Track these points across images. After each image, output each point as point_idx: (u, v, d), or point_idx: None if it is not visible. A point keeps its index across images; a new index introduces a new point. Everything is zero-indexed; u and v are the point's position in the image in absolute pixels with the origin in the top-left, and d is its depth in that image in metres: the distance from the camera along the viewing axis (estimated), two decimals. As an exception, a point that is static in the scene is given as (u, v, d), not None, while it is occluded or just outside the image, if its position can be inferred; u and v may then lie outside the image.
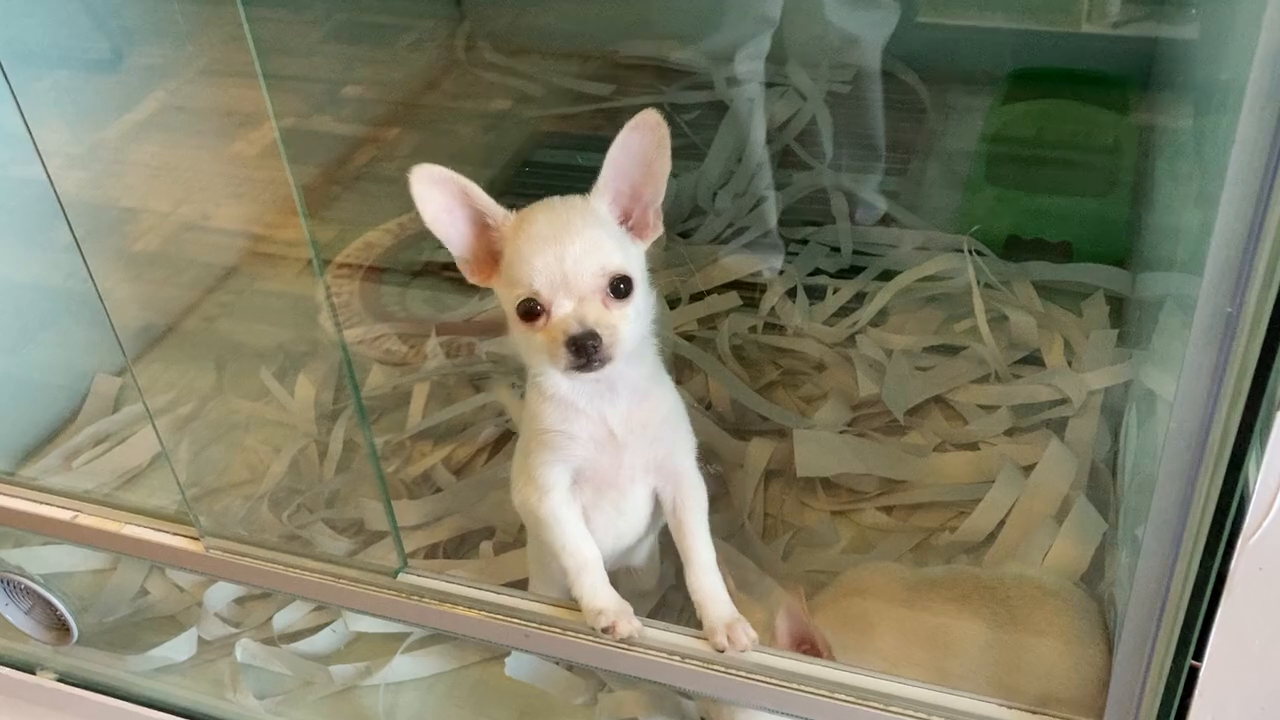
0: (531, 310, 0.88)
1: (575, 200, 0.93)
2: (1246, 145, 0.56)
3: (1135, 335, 1.46)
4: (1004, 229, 1.66)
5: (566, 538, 0.98)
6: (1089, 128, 1.81)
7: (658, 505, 1.04)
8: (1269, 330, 0.58)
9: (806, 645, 0.96)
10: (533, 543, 1.13)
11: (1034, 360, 1.49)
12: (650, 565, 1.14)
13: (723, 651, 0.92)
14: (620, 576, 1.08)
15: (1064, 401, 1.39)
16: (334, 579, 1.01)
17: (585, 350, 0.87)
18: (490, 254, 0.92)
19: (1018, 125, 1.85)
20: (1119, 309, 1.55)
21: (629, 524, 1.04)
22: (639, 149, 0.92)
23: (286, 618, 1.23)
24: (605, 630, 0.93)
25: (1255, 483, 0.62)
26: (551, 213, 0.91)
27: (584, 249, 0.87)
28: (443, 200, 0.91)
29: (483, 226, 0.92)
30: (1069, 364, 1.47)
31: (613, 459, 0.98)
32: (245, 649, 1.21)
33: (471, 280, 0.94)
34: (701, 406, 1.45)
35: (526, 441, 1.01)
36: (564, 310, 0.87)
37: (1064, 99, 1.85)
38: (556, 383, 0.95)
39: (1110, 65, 1.89)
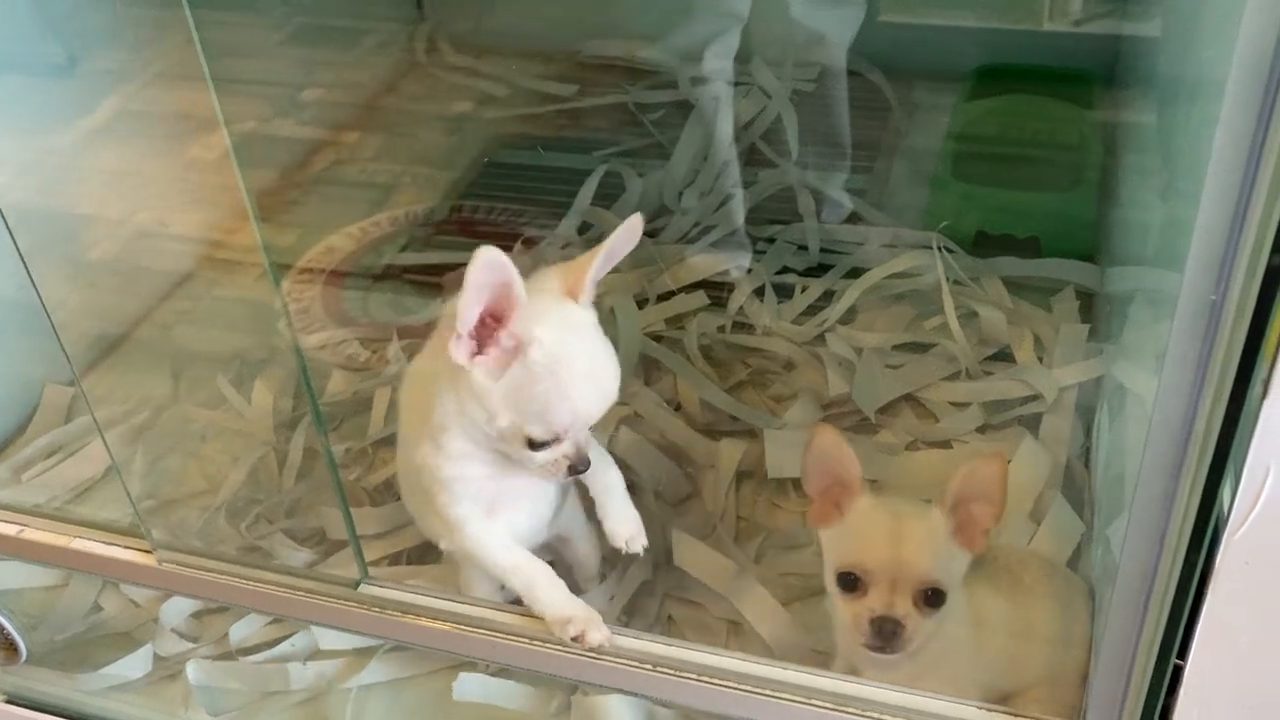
0: None
1: None
2: (1230, 129, 0.54)
3: (1106, 330, 1.45)
4: (972, 225, 1.65)
5: (504, 560, 0.97)
6: (1055, 123, 1.80)
7: None
8: (1254, 316, 0.56)
9: (837, 487, 0.95)
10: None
11: (1004, 357, 1.48)
12: (588, 544, 1.14)
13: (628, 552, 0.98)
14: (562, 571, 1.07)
15: (1036, 398, 1.38)
16: (292, 591, 0.97)
17: None
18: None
19: (983, 121, 1.84)
20: (1089, 304, 1.54)
21: (548, 505, 1.04)
22: None
23: (243, 630, 1.19)
24: (574, 639, 0.90)
25: (1241, 476, 0.61)
26: None
27: None
28: None
29: None
30: (1040, 360, 1.46)
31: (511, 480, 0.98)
32: (197, 668, 1.17)
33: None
34: (670, 407, 1.43)
35: (423, 491, 0.99)
36: None
37: (1029, 95, 1.85)
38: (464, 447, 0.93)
39: (1074, 61, 1.89)
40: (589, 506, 1.06)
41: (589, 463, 0.93)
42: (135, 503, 1.09)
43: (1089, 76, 1.87)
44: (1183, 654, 0.69)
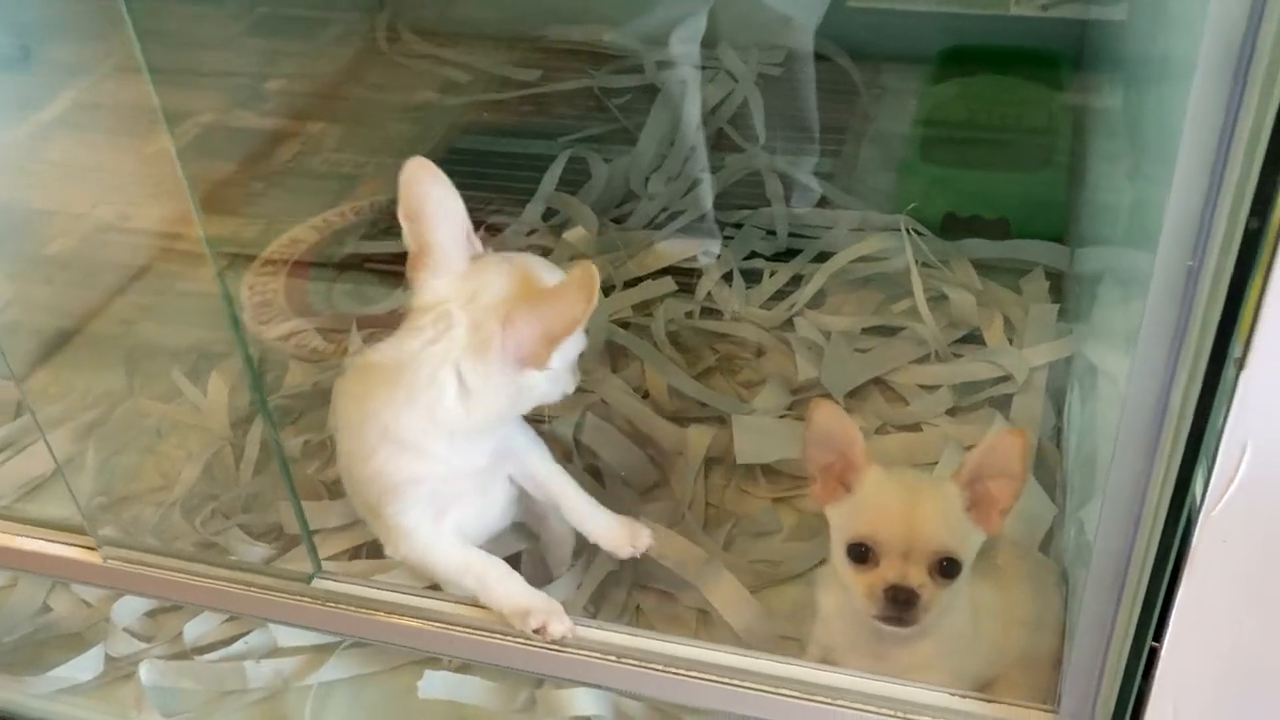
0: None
1: None
2: (1205, 92, 0.52)
3: (1075, 310, 1.44)
4: (940, 208, 1.64)
5: (455, 562, 0.95)
6: (1023, 104, 1.79)
7: None
8: (1231, 283, 0.54)
9: (841, 462, 0.92)
10: None
11: (974, 339, 1.46)
12: (562, 523, 1.11)
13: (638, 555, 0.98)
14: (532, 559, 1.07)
15: (1006, 379, 1.37)
16: (244, 587, 0.94)
17: None
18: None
19: (951, 103, 1.83)
20: (1058, 284, 1.53)
21: (499, 508, 1.03)
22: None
23: (198, 629, 1.16)
24: (536, 631, 0.88)
25: (1217, 451, 0.59)
26: None
27: None
28: None
29: None
30: (1010, 341, 1.44)
31: (461, 480, 0.96)
32: (151, 669, 1.13)
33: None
34: (638, 395, 1.40)
35: (368, 498, 0.97)
36: None
37: (996, 76, 1.84)
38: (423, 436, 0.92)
39: (1042, 43, 1.88)
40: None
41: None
42: (83, 499, 1.06)
43: (1056, 58, 1.86)
44: (1159, 636, 0.67)
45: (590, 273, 0.87)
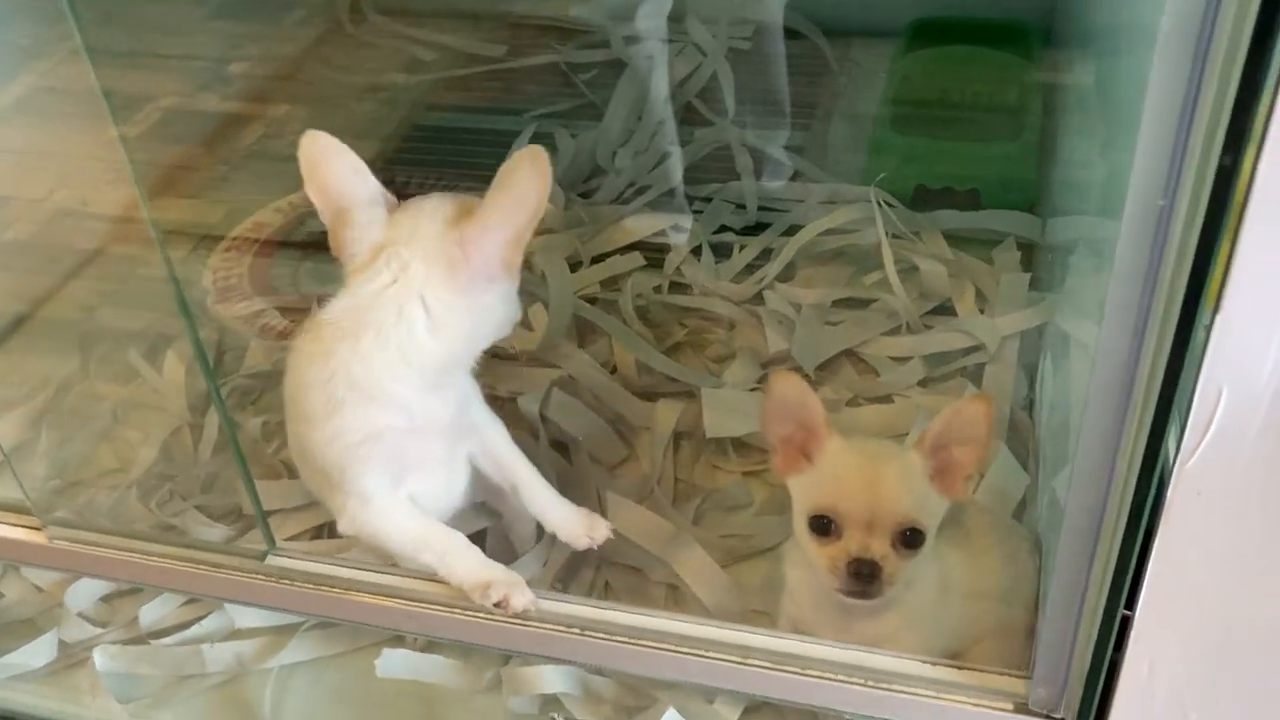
0: None
1: None
2: (1175, 27, 0.49)
3: (1047, 280, 1.43)
4: (911, 179, 1.62)
5: (412, 531, 0.92)
6: (993, 75, 1.77)
7: None
8: (1205, 223, 0.52)
9: (802, 433, 0.90)
10: None
11: (946, 310, 1.45)
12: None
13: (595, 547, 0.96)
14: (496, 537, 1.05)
15: (978, 349, 1.35)
16: (196, 565, 0.91)
17: None
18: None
19: (922, 75, 1.81)
20: (1030, 255, 1.51)
21: (459, 486, 1.01)
22: None
23: (154, 613, 1.13)
24: (497, 605, 0.85)
25: (1192, 400, 0.57)
26: None
27: None
28: None
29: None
30: (981, 312, 1.42)
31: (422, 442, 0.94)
32: (105, 654, 1.10)
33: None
34: (606, 370, 1.38)
35: (324, 464, 0.93)
36: None
37: (966, 47, 1.82)
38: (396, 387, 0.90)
39: (1012, 14, 1.87)
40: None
41: None
42: (34, 483, 1.02)
43: (1026, 29, 1.84)
44: (1133, 596, 0.65)
45: (536, 151, 0.87)
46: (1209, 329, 0.54)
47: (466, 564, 0.88)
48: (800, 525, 0.89)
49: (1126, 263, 0.54)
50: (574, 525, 0.99)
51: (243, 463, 0.98)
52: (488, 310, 0.92)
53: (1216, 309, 0.53)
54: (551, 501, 1.00)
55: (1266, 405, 0.55)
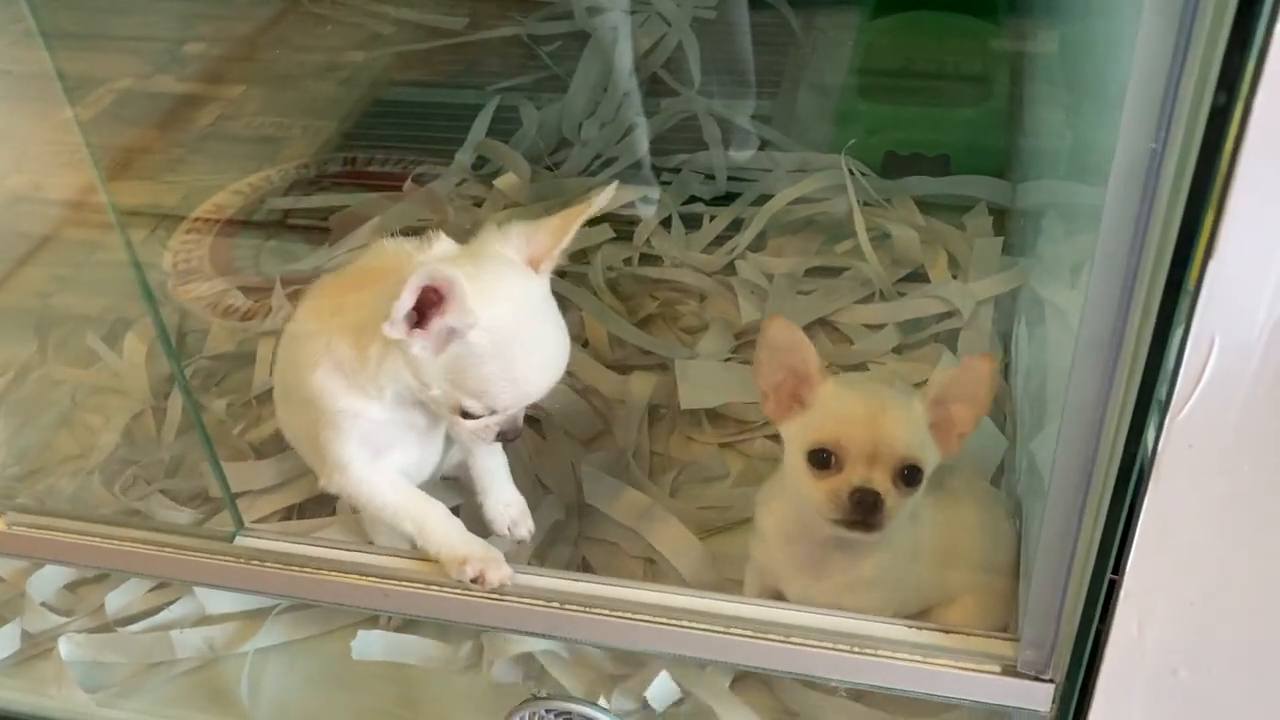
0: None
1: None
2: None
3: (1019, 245, 1.42)
4: (880, 146, 1.61)
5: (391, 500, 0.90)
6: (959, 39, 1.76)
7: None
8: (1197, 166, 0.50)
9: (793, 379, 0.89)
10: None
11: (919, 277, 1.44)
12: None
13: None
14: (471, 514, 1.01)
15: (952, 314, 1.34)
16: (160, 549, 0.88)
17: None
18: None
19: (888, 39, 1.79)
20: (1001, 220, 1.51)
21: (439, 441, 0.98)
22: None
23: (120, 600, 1.10)
24: (474, 581, 0.83)
25: (1184, 350, 0.55)
26: None
27: None
28: None
29: None
30: (954, 277, 1.42)
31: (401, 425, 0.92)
32: (70, 643, 1.07)
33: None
34: (579, 344, 1.36)
35: (309, 420, 0.91)
36: None
37: (933, 12, 1.80)
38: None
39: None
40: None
41: (520, 431, 0.88)
42: (-11, 468, 0.99)
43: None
44: (1122, 555, 0.64)
45: None
46: (1201, 275, 0.53)
47: (445, 536, 0.87)
48: (797, 462, 0.88)
49: (1116, 210, 0.53)
50: (500, 513, 0.98)
51: (209, 445, 0.96)
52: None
53: (1209, 255, 0.52)
54: (495, 483, 0.99)
55: (1260, 352, 0.54)
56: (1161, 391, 0.58)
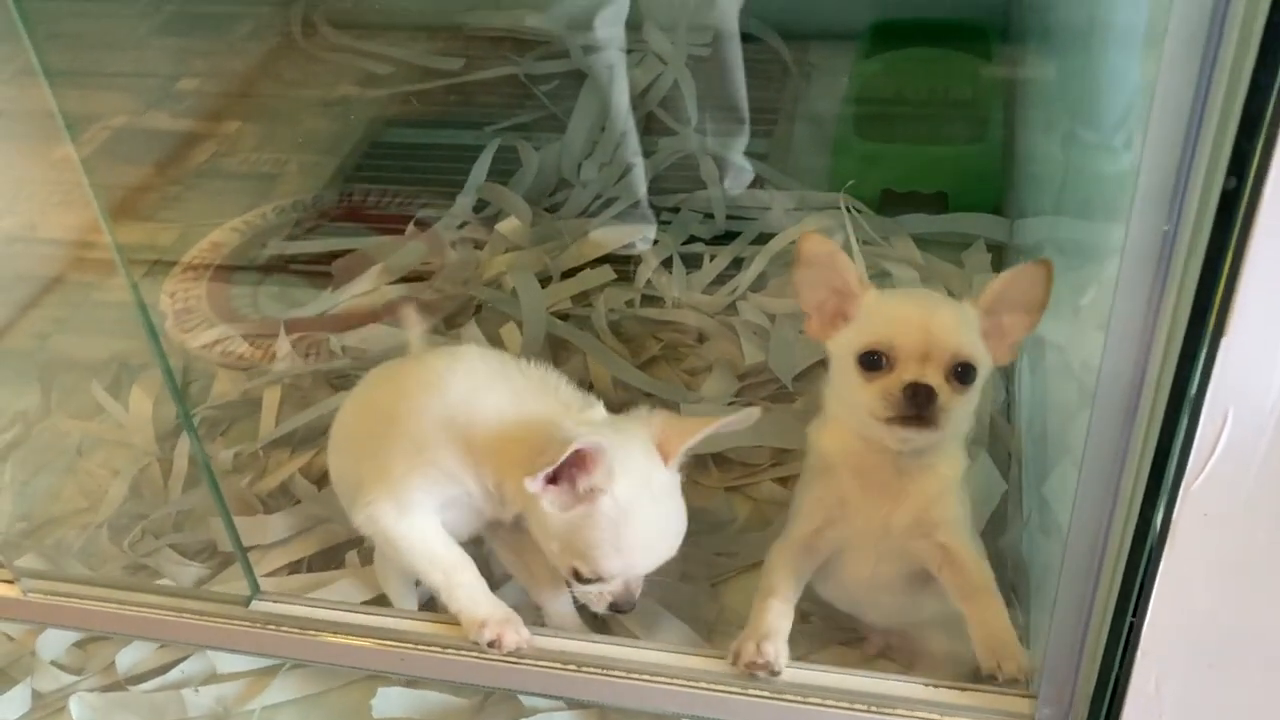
0: None
1: None
2: (1176, 54, 0.49)
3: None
4: (877, 184, 1.62)
5: (433, 553, 0.91)
6: (954, 76, 1.78)
7: None
8: (1209, 246, 0.51)
9: (835, 297, 0.89)
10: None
11: (900, 286, 1.44)
12: None
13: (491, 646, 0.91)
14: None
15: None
16: (177, 614, 0.88)
17: None
18: None
19: (883, 79, 1.81)
20: (1000, 256, 1.52)
21: (479, 525, 1.00)
22: None
23: (131, 658, 1.09)
24: (491, 644, 0.84)
25: (1198, 422, 0.56)
26: None
27: None
28: None
29: None
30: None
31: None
32: (82, 703, 1.06)
33: None
34: (583, 388, 1.36)
35: (389, 450, 0.92)
36: None
37: (926, 49, 1.82)
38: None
39: (968, 13, 1.88)
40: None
41: (634, 604, 0.90)
42: (4, 527, 0.99)
43: (984, 28, 1.85)
44: (1140, 613, 0.65)
45: None
46: (1214, 352, 0.54)
47: (470, 596, 0.88)
48: (847, 370, 0.87)
49: (1131, 286, 0.54)
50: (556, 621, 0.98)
51: (223, 506, 0.96)
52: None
53: (1221, 332, 0.53)
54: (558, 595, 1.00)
55: (1274, 425, 0.55)
56: (1176, 461, 0.59)
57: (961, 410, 0.85)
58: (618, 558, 0.86)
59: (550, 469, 0.82)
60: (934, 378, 0.83)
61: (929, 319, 0.85)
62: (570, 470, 0.84)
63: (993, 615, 0.84)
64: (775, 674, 0.84)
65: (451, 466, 0.91)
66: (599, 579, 0.87)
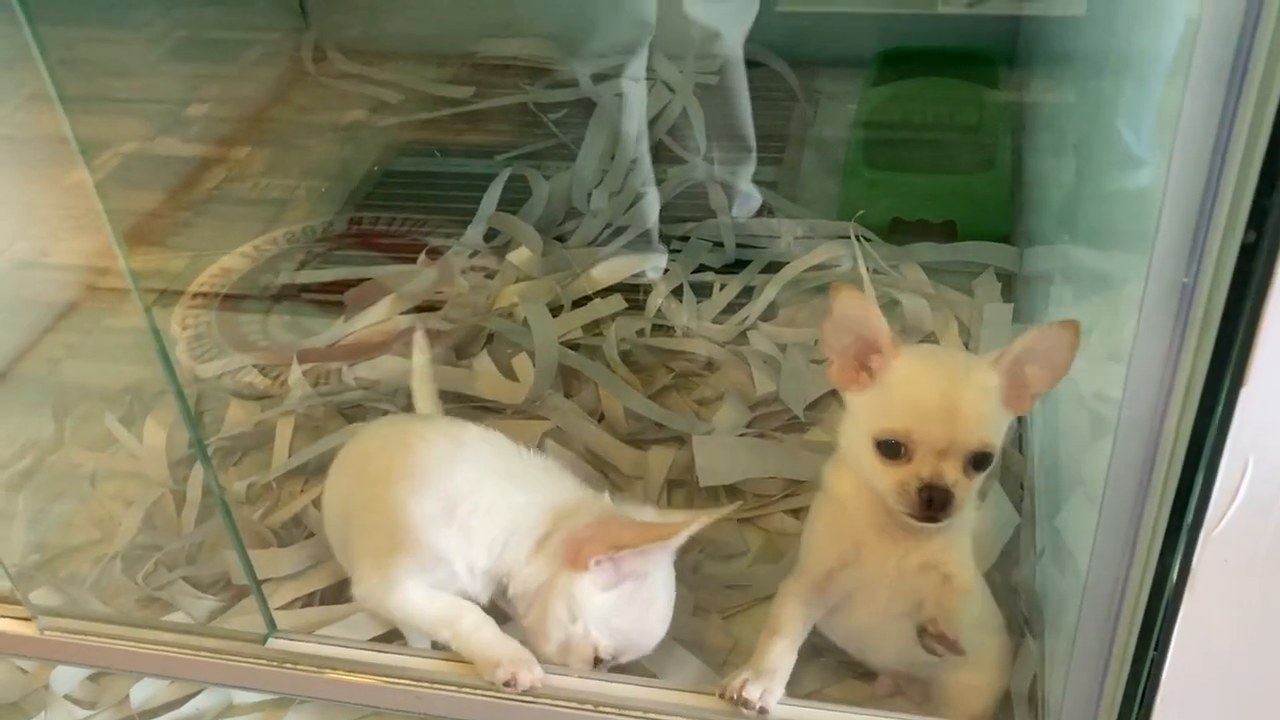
0: None
1: None
2: (1197, 103, 0.49)
3: (1029, 311, 1.43)
4: (886, 212, 1.63)
5: (431, 614, 0.92)
6: (962, 105, 1.79)
7: None
8: (1229, 297, 0.52)
9: (864, 348, 0.86)
10: None
11: (928, 344, 1.44)
12: None
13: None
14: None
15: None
16: (193, 651, 0.89)
17: None
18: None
19: (892, 107, 1.82)
20: (1009, 285, 1.52)
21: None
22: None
23: (145, 692, 1.10)
24: (506, 684, 0.84)
25: (1218, 470, 0.56)
26: None
27: None
28: None
29: None
30: (965, 345, 1.43)
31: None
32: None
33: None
34: (593, 418, 1.36)
35: (380, 525, 0.94)
36: None
37: (934, 77, 1.83)
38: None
39: (975, 41, 1.89)
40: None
41: None
42: (14, 560, 0.99)
43: (991, 56, 1.86)
44: (1160, 658, 0.65)
45: None
46: (1233, 401, 0.54)
47: (480, 640, 0.88)
48: (862, 445, 0.86)
49: (1150, 335, 0.54)
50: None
51: (239, 540, 0.96)
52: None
53: (1240, 383, 0.53)
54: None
55: (1293, 476, 0.55)
56: (1195, 508, 0.59)
57: (977, 489, 0.85)
58: (644, 637, 0.91)
59: (621, 552, 0.86)
60: (951, 473, 0.82)
61: (953, 410, 0.83)
62: (628, 556, 0.88)
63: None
64: (764, 714, 0.85)
65: (445, 550, 0.92)
66: (610, 659, 0.90)
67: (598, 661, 0.90)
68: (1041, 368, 0.85)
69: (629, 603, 0.89)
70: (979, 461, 0.83)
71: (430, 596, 0.92)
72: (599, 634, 0.89)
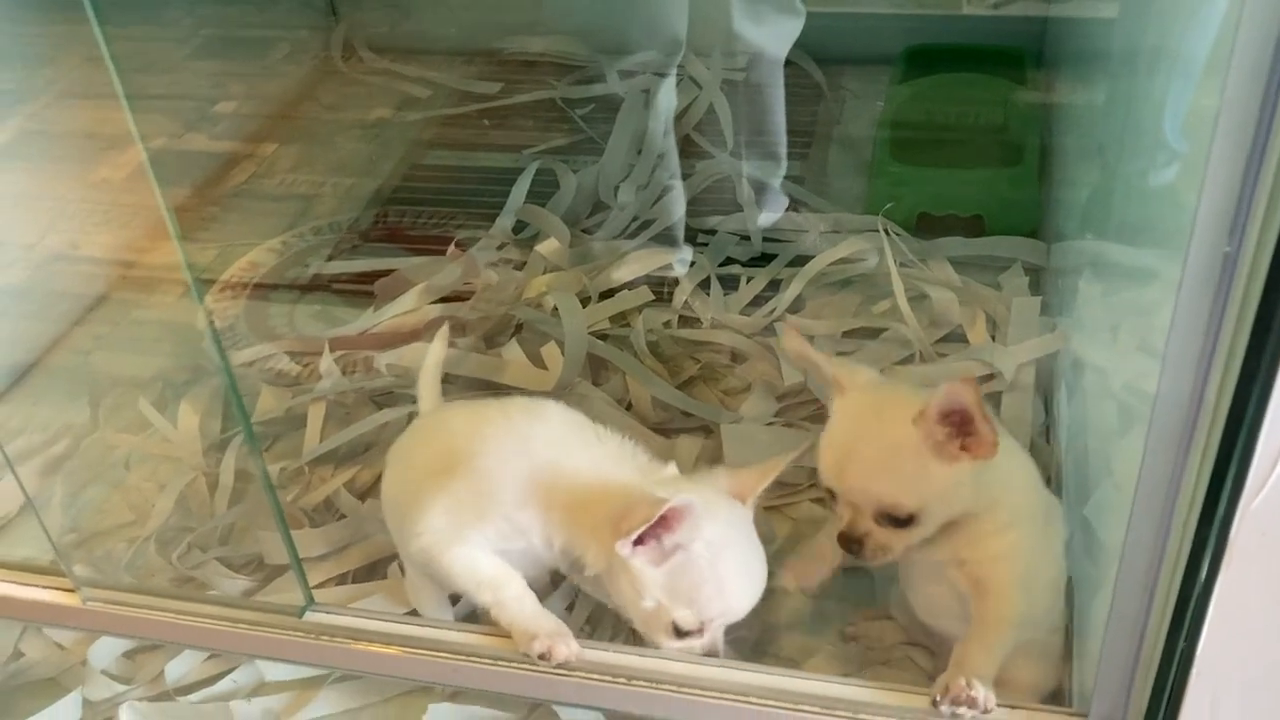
0: None
1: None
2: (1241, 80, 0.50)
3: (1057, 305, 1.43)
4: (913, 207, 1.63)
5: (482, 575, 0.93)
6: (990, 101, 1.79)
7: None
8: (1272, 266, 0.52)
9: (964, 424, 0.83)
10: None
11: (957, 337, 1.45)
12: None
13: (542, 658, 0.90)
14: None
15: (993, 377, 1.35)
16: (232, 624, 0.90)
17: None
18: None
19: (918, 102, 1.83)
20: (1037, 280, 1.52)
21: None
22: None
23: (180, 668, 1.11)
24: (541, 656, 0.85)
25: (1257, 441, 0.57)
26: None
27: None
28: None
29: None
30: (992, 339, 1.43)
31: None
32: (132, 713, 1.08)
33: None
34: (621, 407, 1.37)
35: (459, 493, 0.94)
36: None
37: (961, 74, 1.84)
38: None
39: (1003, 40, 1.89)
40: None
41: (720, 653, 0.92)
42: (55, 538, 1.01)
43: (1019, 54, 1.86)
44: (1194, 635, 0.65)
45: None
46: (1273, 372, 0.54)
47: (520, 611, 0.89)
48: None
49: (1190, 306, 0.55)
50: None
51: (281, 517, 0.97)
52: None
53: (1281, 351, 0.54)
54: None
55: (1333, 446, 0.55)
56: (1233, 480, 0.59)
57: (917, 539, 0.85)
58: (719, 599, 0.89)
59: (640, 530, 0.84)
60: (864, 524, 0.84)
61: (846, 467, 0.85)
62: (657, 530, 0.86)
63: (979, 649, 0.84)
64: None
65: (523, 522, 0.93)
66: (698, 629, 0.89)
67: (689, 633, 0.89)
68: (960, 425, 0.83)
69: (686, 571, 0.88)
70: (892, 519, 0.84)
71: (487, 559, 0.93)
72: (671, 605, 0.89)
